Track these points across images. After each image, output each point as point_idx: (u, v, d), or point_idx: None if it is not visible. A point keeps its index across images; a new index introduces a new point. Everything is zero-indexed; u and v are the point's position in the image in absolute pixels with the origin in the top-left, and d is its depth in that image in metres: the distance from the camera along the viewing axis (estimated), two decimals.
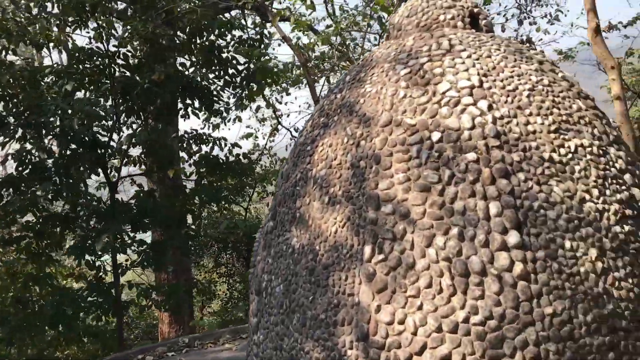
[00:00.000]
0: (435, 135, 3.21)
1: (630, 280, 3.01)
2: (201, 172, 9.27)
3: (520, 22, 11.72)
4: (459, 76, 3.40)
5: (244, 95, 9.92)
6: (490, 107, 3.25)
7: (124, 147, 8.36)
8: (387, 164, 3.24)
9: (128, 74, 8.67)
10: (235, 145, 9.57)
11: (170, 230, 9.62)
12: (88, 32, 9.05)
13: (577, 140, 3.28)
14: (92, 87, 8.28)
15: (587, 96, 3.67)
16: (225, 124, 10.64)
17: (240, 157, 9.58)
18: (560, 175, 3.12)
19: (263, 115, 15.04)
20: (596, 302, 2.90)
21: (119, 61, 8.75)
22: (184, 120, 9.38)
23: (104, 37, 8.30)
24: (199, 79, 8.53)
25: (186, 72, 8.25)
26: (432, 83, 3.42)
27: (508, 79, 3.43)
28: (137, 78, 8.15)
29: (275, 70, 9.14)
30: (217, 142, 9.39)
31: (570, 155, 3.21)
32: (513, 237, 2.91)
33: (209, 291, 12.44)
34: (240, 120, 11.59)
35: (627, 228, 3.12)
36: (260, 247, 3.96)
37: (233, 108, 10.41)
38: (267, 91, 12.16)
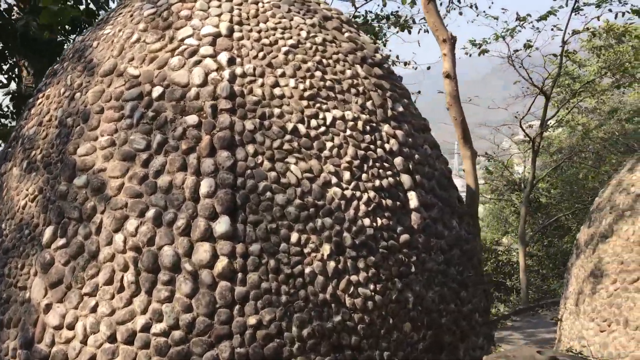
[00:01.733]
0: (157, 91, 2.52)
1: (371, 287, 2.44)
2: None
3: None
4: (207, 21, 2.72)
5: None
6: (231, 62, 2.59)
7: None
8: (94, 123, 2.52)
9: None
10: None
11: None
12: None
13: (337, 112, 2.67)
14: None
15: (378, 64, 3.08)
16: None
17: None
18: (304, 151, 2.51)
19: None
20: (319, 313, 2.31)
21: None
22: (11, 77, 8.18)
23: None
24: (25, 25, 7.30)
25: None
26: (173, 27, 2.72)
27: (269, 30, 2.78)
28: None
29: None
30: None
31: (322, 129, 2.60)
32: (222, 225, 2.27)
33: None
34: None
35: (380, 222, 2.55)
36: None
37: None
38: None
